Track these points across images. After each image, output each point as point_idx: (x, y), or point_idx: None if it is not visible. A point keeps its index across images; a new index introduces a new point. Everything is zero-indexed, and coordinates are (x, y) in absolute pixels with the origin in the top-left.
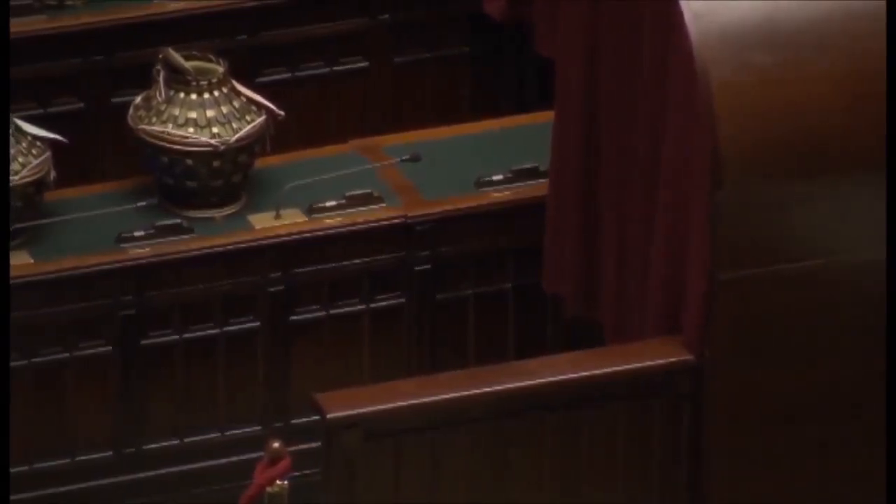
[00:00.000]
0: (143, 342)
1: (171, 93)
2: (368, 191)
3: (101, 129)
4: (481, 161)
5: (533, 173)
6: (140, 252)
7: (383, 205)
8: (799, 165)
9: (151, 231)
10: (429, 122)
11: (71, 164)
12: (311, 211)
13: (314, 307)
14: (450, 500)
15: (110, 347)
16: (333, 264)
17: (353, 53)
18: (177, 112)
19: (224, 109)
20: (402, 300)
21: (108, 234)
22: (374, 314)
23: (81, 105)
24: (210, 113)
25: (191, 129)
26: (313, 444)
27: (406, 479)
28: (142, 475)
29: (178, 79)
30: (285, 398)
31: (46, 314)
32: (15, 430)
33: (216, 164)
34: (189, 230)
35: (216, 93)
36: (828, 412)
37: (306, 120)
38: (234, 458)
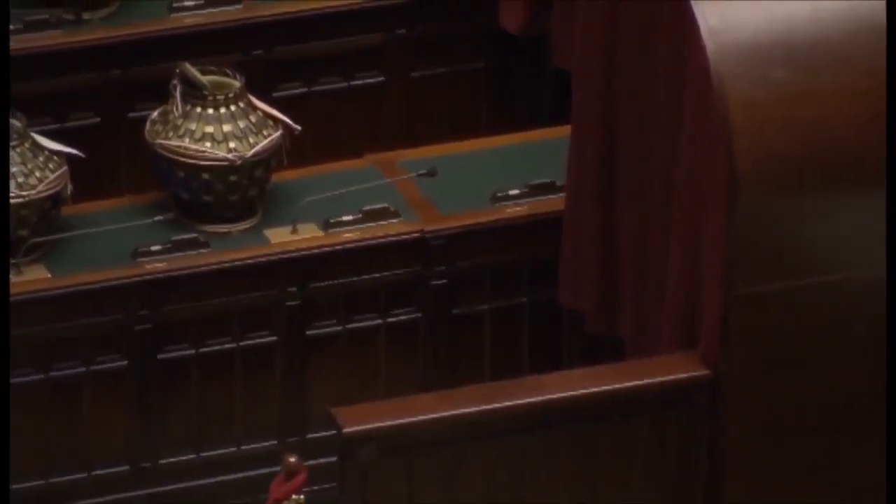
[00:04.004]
0: (160, 356)
1: (188, 107)
2: (385, 205)
3: (118, 144)
4: (497, 176)
5: (549, 188)
6: (156, 266)
7: (399, 219)
8: (816, 181)
9: (168, 245)
10: (445, 137)
11: (87, 178)
12: (327, 225)
13: (331, 322)
14: None
15: (126, 362)
16: (350, 279)
17: (369, 68)
18: (193, 126)
19: (240, 124)
20: (419, 315)
21: (125, 248)
22: (391, 329)
23: (98, 120)
24: (226, 127)
25: (207, 144)
26: (330, 459)
27: (421, 493)
28: (158, 489)
29: (195, 93)
30: (302, 412)
31: (63, 328)
32: (31, 444)
33: (232, 178)
34: (205, 245)
35: (232, 107)
36: (844, 425)
37: (322, 134)
38: (251, 473)
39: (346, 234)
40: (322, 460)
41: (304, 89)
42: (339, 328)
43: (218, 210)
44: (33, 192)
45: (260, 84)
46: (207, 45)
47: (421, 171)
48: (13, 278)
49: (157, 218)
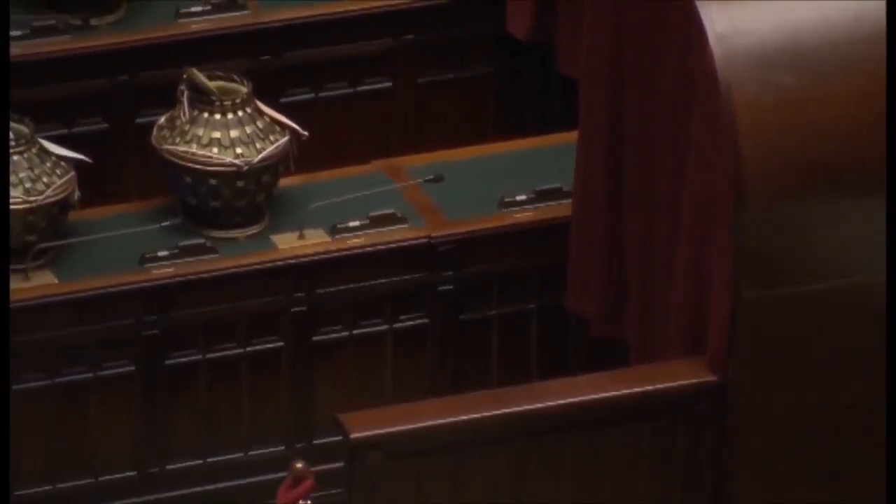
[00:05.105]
0: (167, 362)
1: (195, 113)
2: (392, 211)
3: (126, 150)
4: (505, 181)
5: (557, 194)
6: (164, 272)
7: (407, 225)
8: (822, 186)
9: (175, 251)
10: (452, 143)
11: (95, 184)
12: (334, 231)
13: (337, 327)
14: None
15: (134, 367)
16: (357, 284)
17: (376, 74)
18: (201, 132)
19: (248, 129)
20: (426, 320)
21: (132, 254)
22: (398, 334)
23: (106, 125)
24: (234, 133)
25: (214, 149)
26: (336, 465)
27: (428, 498)
28: (165, 495)
29: (202, 99)
30: (308, 418)
31: (70, 334)
32: (39, 449)
33: (240, 184)
34: (212, 250)
35: (240, 113)
36: (852, 431)
37: (330, 140)
38: (258, 478)
39: (354, 240)
40: (329, 466)
41: (312, 95)
42: (346, 334)
43: (225, 215)
44: (41, 197)
45: (267, 89)
46: (215, 50)
47: (428, 177)
48: (21, 284)
49: (164, 223)
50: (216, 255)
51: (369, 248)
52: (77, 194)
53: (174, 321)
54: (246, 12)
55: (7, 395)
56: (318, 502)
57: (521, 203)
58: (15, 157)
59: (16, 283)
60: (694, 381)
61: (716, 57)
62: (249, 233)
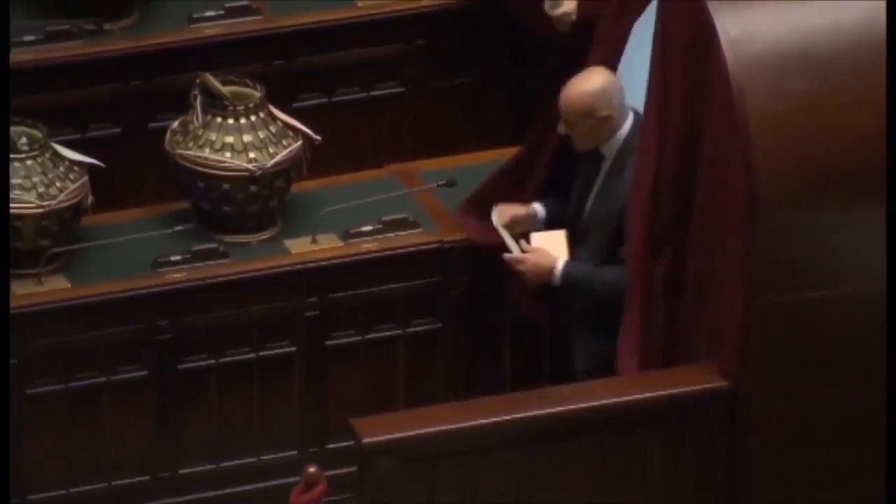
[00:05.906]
0: (180, 367)
1: (208, 118)
2: (404, 216)
3: (139, 154)
4: None
5: None
6: (176, 277)
7: (419, 230)
8: (835, 192)
9: (188, 256)
10: (464, 147)
11: (108, 188)
12: (347, 236)
13: (350, 332)
14: None
15: (147, 372)
16: (369, 289)
17: (389, 79)
18: (213, 137)
19: (261, 134)
20: (438, 325)
21: (145, 258)
22: (410, 339)
23: (119, 130)
24: (247, 138)
25: (227, 154)
26: (349, 469)
27: (440, 503)
28: (178, 499)
29: (215, 104)
30: (321, 423)
31: (83, 339)
32: (51, 454)
33: (253, 188)
34: (225, 255)
35: (253, 118)
36: (865, 436)
37: (342, 145)
38: (270, 483)
39: (366, 245)
40: (342, 470)
41: (324, 100)
42: (359, 338)
43: (238, 220)
44: (54, 202)
45: (280, 94)
46: (228, 55)
47: (440, 182)
48: (34, 288)
49: (177, 228)
50: (229, 260)
51: (382, 253)
52: (90, 199)
53: (187, 326)
54: (258, 17)
55: (7, 396)
56: None
57: None
58: (28, 162)
59: (29, 288)
60: (706, 386)
61: (728, 62)
62: (262, 237)
